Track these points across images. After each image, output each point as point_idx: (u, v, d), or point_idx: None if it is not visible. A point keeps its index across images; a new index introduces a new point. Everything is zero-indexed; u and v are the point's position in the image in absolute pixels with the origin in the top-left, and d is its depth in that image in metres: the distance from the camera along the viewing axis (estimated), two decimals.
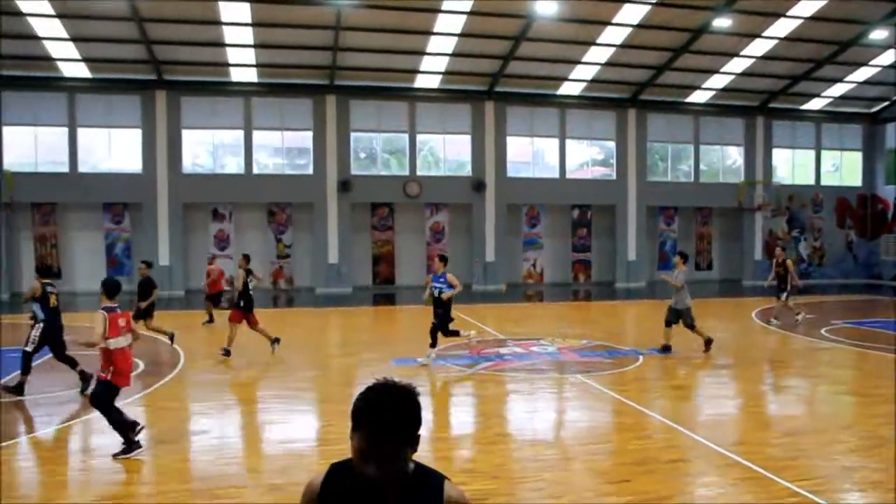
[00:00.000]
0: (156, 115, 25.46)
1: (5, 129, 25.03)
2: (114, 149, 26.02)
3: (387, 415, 2.21)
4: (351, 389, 11.06)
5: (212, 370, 12.43)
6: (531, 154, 29.22)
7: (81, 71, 24.77)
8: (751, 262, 30.95)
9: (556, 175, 28.87)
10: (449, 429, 9.21)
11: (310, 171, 26.87)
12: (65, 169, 25.37)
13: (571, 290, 28.33)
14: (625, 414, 9.56)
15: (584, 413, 9.93)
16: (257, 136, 26.62)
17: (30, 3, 20.96)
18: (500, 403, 10.58)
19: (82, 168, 25.58)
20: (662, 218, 30.50)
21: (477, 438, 8.72)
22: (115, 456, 7.61)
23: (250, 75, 25.70)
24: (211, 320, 18.30)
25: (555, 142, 28.95)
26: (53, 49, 23.40)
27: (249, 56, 24.42)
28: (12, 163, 25.04)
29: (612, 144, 29.63)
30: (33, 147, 25.51)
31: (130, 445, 7.67)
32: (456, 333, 13.19)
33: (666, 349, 13.69)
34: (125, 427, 7.70)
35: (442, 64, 25.47)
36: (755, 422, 9.38)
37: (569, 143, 29.13)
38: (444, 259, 13.59)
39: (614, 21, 23.29)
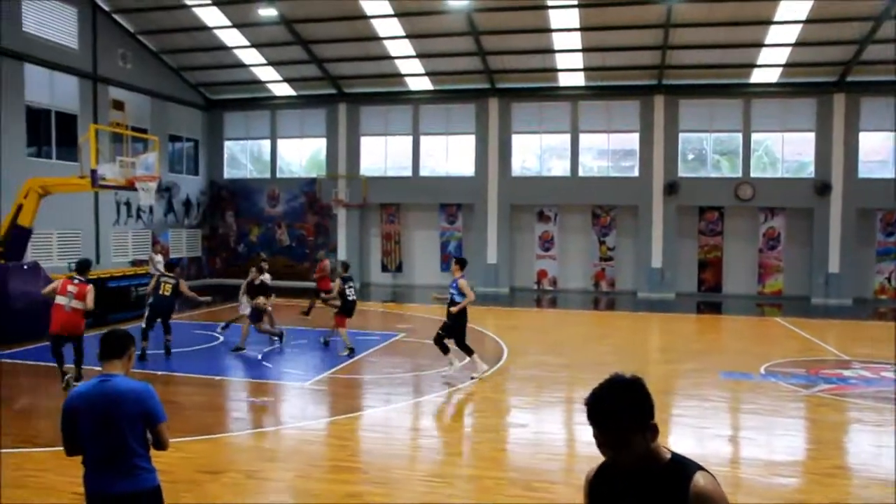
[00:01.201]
0: (488, 122, 27.01)
1: (362, 139, 28.48)
2: (450, 154, 28.12)
3: (608, 406, 2.48)
4: (670, 399, 10.65)
5: (532, 366, 12.79)
6: (890, 151, 25.56)
7: (424, 84, 27.20)
8: None
9: None
10: (778, 453, 8.40)
11: (635, 173, 26.46)
12: (408, 173, 28.06)
13: None
14: None
15: None
16: (583, 138, 26.91)
17: (385, 28, 23.56)
18: (840, 432, 9.40)
19: (423, 172, 28.06)
20: None
21: (809, 468, 7.83)
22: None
23: (577, 79, 26.04)
24: (307, 313, 18.36)
25: None
26: (402, 66, 26.04)
27: (577, 60, 24.77)
28: (366, 168, 28.41)
29: None
30: (383, 154, 28.67)
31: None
32: (468, 351, 11.59)
33: None
34: (58, 363, 10.55)
35: (782, 55, 23.39)
36: None
37: None
38: (459, 262, 11.92)
39: None
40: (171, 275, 13.56)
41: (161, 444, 4.03)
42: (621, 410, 2.47)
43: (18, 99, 20.15)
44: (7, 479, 6.85)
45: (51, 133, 21.48)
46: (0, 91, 19.52)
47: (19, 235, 15.52)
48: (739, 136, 25.72)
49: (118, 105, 19.88)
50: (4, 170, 18.99)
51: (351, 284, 14.00)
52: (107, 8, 23.27)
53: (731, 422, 10.00)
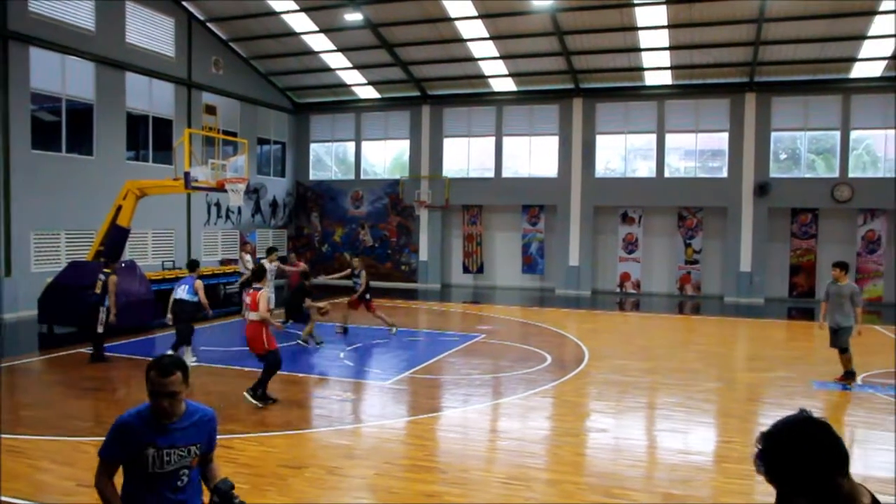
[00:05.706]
0: (572, 122, 26.70)
1: (445, 141, 28.64)
2: (533, 155, 27.92)
3: (785, 462, 2.05)
4: (757, 407, 10.28)
5: (614, 371, 12.56)
6: None
7: (508, 85, 27.14)
8: None
9: None
10: (874, 468, 7.97)
11: (724, 174, 25.67)
12: (491, 174, 28.03)
13: None
14: None
15: None
16: (670, 138, 26.28)
17: (469, 30, 23.62)
18: None
19: (505, 173, 27.98)
20: None
21: None
22: None
23: (664, 78, 25.46)
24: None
25: None
26: (485, 67, 26.05)
27: (664, 59, 24.21)
28: (449, 170, 28.55)
29: None
30: (466, 156, 28.74)
31: None
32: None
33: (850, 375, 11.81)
34: None
35: (888, 48, 22.16)
36: None
37: None
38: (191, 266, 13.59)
39: None
40: (107, 269, 12.75)
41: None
42: (802, 468, 2.02)
43: (120, 106, 21.21)
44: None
45: (148, 137, 22.50)
46: (103, 99, 20.60)
47: (118, 235, 16.27)
48: (837, 134, 24.57)
49: (210, 110, 20.65)
50: (106, 173, 20.00)
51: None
52: (201, 17, 24.20)
53: None
